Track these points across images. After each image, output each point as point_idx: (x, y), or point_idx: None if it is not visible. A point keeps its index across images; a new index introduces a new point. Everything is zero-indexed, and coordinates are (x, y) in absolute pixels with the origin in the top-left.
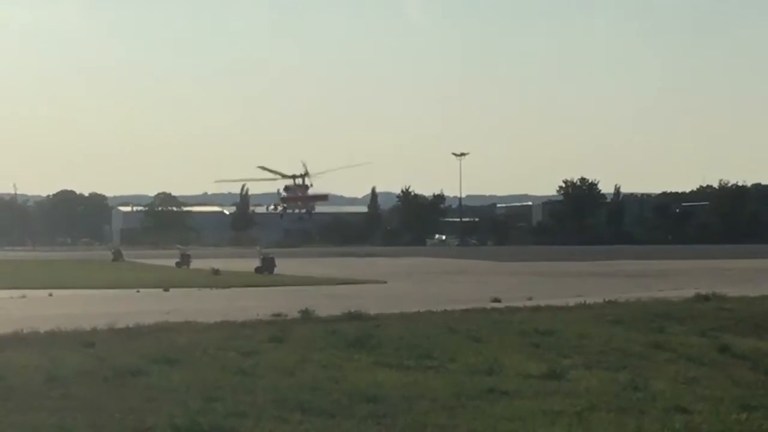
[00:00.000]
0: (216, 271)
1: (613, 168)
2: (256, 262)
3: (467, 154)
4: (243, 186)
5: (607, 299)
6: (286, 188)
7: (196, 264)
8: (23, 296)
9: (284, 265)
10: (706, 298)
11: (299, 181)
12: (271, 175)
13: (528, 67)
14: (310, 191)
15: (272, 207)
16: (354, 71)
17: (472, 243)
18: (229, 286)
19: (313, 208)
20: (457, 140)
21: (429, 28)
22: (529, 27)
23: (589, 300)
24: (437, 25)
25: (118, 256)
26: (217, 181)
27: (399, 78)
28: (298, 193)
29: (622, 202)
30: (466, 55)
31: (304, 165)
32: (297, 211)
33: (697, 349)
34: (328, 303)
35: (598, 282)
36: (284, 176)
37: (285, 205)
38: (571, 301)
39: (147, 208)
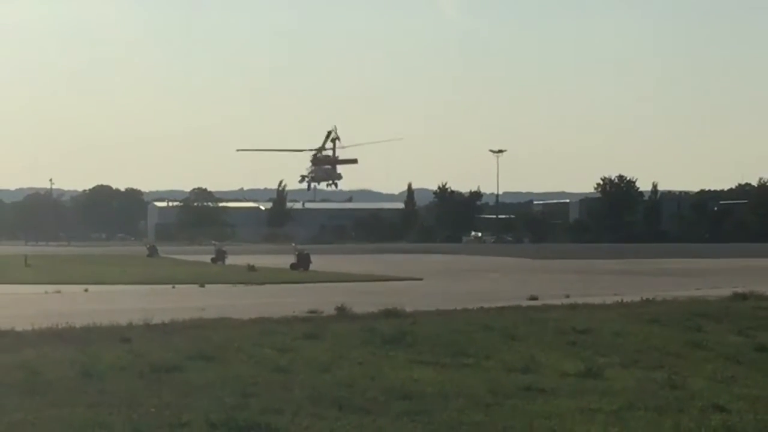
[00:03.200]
0: (251, 268)
1: (650, 165)
2: (291, 259)
3: (504, 151)
4: (280, 182)
5: (644, 297)
6: (315, 157)
7: (231, 260)
8: (58, 291)
9: (320, 262)
10: (743, 296)
11: (329, 146)
12: (304, 145)
13: (566, 63)
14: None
15: (299, 178)
16: (390, 67)
17: (508, 240)
18: (265, 283)
19: (341, 177)
20: (495, 137)
21: (465, 22)
22: (567, 23)
23: (626, 298)
24: (473, 19)
25: (153, 252)
26: (238, 150)
27: (436, 74)
28: (327, 157)
29: (659, 199)
30: (503, 51)
31: (334, 128)
32: (326, 184)
33: (734, 347)
34: (363, 300)
35: (635, 280)
36: (311, 149)
37: (313, 171)
38: (608, 299)
39: (183, 204)
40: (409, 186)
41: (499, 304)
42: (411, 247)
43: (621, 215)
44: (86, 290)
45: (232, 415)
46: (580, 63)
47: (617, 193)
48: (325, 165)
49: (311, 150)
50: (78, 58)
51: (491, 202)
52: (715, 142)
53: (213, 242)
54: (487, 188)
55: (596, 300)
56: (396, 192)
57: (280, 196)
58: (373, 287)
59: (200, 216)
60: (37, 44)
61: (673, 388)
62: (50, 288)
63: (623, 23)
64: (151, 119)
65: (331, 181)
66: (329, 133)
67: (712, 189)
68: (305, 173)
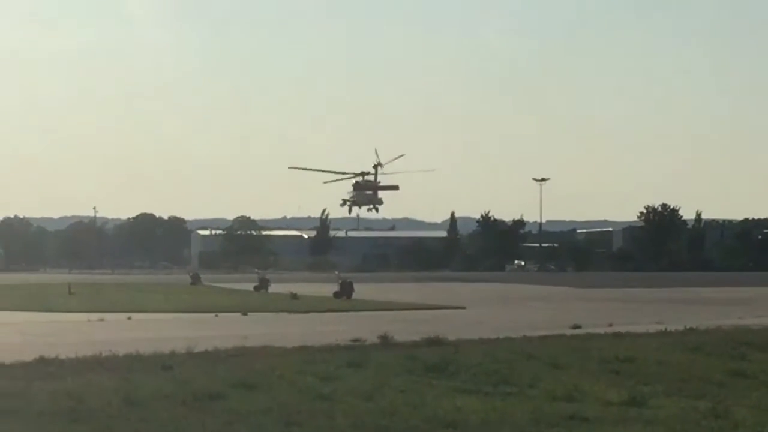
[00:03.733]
0: (294, 296)
1: (694, 194)
2: (334, 287)
3: (548, 179)
4: (323, 211)
5: (687, 326)
6: (356, 183)
7: (274, 288)
8: (102, 319)
9: (363, 290)
10: None
11: (371, 171)
12: (341, 176)
13: (608, 91)
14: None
15: (341, 202)
16: (431, 93)
17: (551, 269)
18: (308, 311)
19: (381, 202)
20: (538, 165)
21: (507, 49)
22: (610, 51)
23: (670, 327)
24: (516, 47)
25: (196, 280)
26: (290, 168)
27: (478, 101)
28: (368, 182)
29: (703, 228)
30: (545, 78)
31: (376, 153)
32: (367, 209)
33: None
34: (406, 328)
35: (679, 309)
36: (355, 174)
37: (354, 196)
38: (652, 328)
39: (226, 232)
40: (452, 214)
41: (542, 333)
42: (454, 276)
43: (664, 244)
44: (129, 318)
45: None
46: (623, 91)
47: (661, 222)
48: (366, 190)
49: (355, 174)
50: (121, 85)
51: (534, 231)
52: (759, 170)
53: (256, 270)
54: (530, 216)
55: (639, 329)
56: (439, 220)
57: (324, 224)
58: (416, 315)
59: (243, 244)
60: (80, 72)
61: (716, 417)
62: (93, 316)
63: (666, 51)
64: (194, 148)
65: (372, 206)
66: (373, 167)
67: (756, 217)
68: (347, 197)
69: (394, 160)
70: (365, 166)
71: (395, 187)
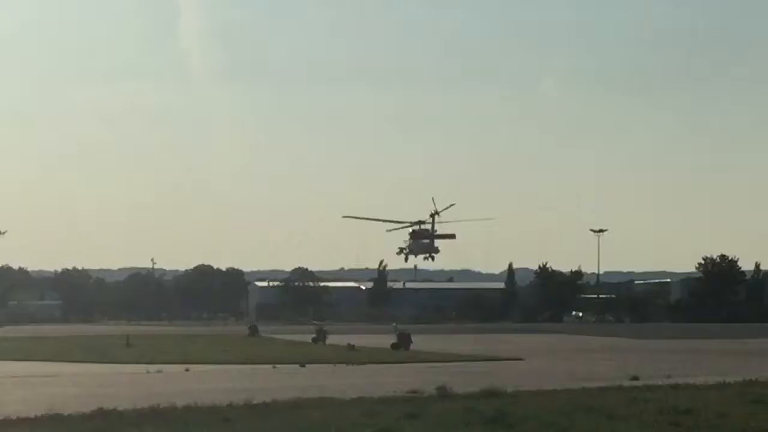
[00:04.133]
0: (352, 347)
1: (753, 244)
2: (392, 338)
3: (605, 230)
4: (381, 262)
5: (747, 378)
6: (413, 231)
7: (332, 339)
8: (160, 371)
9: (420, 342)
10: None
11: (427, 221)
12: (398, 225)
13: (664, 141)
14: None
15: (397, 251)
16: (489, 144)
17: (609, 320)
18: (365, 362)
19: (438, 250)
20: (595, 216)
21: (564, 100)
22: (665, 102)
23: (729, 379)
24: (572, 98)
25: (254, 332)
26: (344, 217)
27: (534, 152)
28: (425, 231)
29: (762, 278)
30: (602, 129)
31: (433, 202)
32: (423, 257)
33: None
34: (464, 380)
35: (738, 360)
36: (412, 223)
37: (411, 245)
38: (711, 380)
39: (283, 284)
40: (510, 265)
41: (601, 384)
42: (512, 327)
43: (723, 295)
44: (187, 370)
45: None
46: (680, 142)
47: (719, 273)
48: (423, 239)
49: (411, 223)
50: (177, 136)
51: (592, 282)
52: None
53: (314, 322)
54: (588, 267)
55: (698, 380)
56: (497, 271)
57: (381, 275)
58: (473, 367)
59: (301, 295)
60: (137, 126)
61: None
62: (152, 368)
63: (718, 99)
64: (252, 199)
65: (428, 255)
66: (430, 216)
67: None
68: (403, 245)
69: (445, 209)
70: (422, 215)
71: (452, 236)
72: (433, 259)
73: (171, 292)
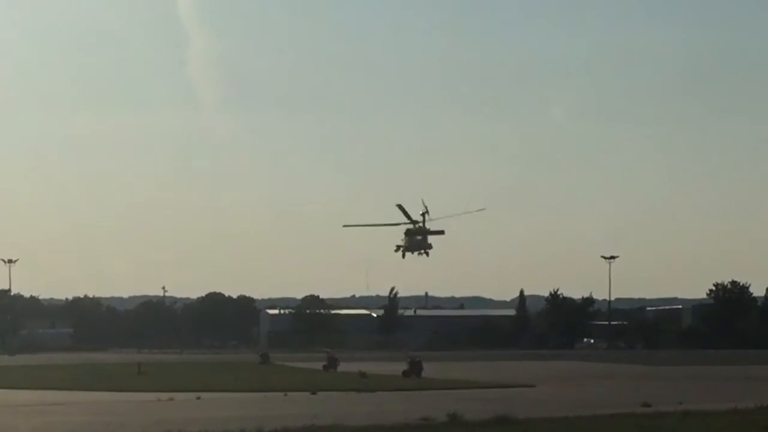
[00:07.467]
0: (363, 375)
1: (764, 270)
2: (403, 366)
3: (617, 257)
4: (391, 289)
5: (759, 404)
6: (408, 230)
7: (343, 367)
8: (171, 399)
9: (432, 369)
10: None
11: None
12: (402, 218)
13: (677, 169)
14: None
15: (395, 248)
16: (499, 171)
17: (620, 347)
18: (376, 390)
19: (431, 246)
20: (606, 243)
21: (574, 126)
22: (675, 128)
23: (741, 405)
24: (582, 125)
25: (265, 359)
26: (345, 226)
27: (545, 179)
28: (419, 228)
29: None
30: (613, 156)
31: (423, 203)
32: (418, 253)
33: None
34: (476, 407)
35: (750, 387)
36: (414, 222)
37: (407, 242)
38: (722, 407)
39: (295, 311)
40: (521, 292)
41: (612, 411)
42: (523, 354)
43: (734, 321)
44: (198, 398)
45: None
46: (692, 169)
47: (730, 299)
48: (417, 236)
49: (407, 223)
50: (190, 164)
51: (603, 308)
52: None
53: (325, 349)
54: (599, 294)
55: (710, 407)
56: (508, 299)
57: (392, 303)
58: (485, 394)
59: (312, 323)
60: (149, 154)
61: None
62: (163, 395)
63: (728, 126)
64: (263, 227)
65: (422, 251)
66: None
67: None
68: (400, 243)
69: (427, 213)
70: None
71: (441, 232)
72: (427, 255)
73: (182, 319)
